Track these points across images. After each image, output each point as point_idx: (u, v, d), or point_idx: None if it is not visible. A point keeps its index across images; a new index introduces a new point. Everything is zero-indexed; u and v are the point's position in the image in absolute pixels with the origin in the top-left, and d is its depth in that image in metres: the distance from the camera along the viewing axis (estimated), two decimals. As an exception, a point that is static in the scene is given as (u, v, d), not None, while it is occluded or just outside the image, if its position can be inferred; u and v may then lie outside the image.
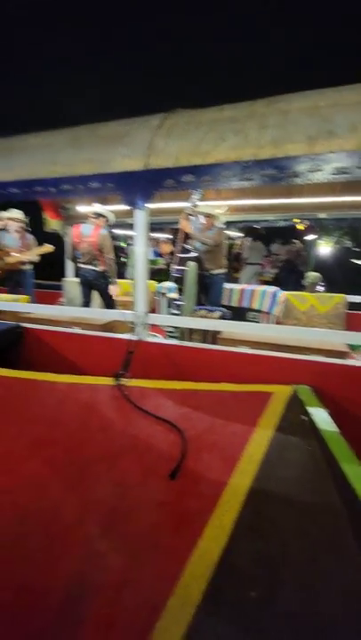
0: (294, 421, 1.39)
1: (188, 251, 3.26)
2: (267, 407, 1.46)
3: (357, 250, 14.18)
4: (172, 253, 8.49)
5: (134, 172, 2.01)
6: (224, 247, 3.49)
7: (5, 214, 3.98)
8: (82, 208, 3.86)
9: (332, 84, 1.97)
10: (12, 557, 1.04)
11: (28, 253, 3.99)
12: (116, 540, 1.08)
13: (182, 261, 2.98)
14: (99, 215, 3.53)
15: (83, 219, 3.82)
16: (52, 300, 4.46)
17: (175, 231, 8.88)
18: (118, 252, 8.49)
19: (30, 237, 4.16)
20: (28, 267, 4.21)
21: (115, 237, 9.35)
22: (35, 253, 4.03)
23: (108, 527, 1.11)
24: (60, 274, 4.57)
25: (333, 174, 1.69)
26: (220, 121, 2.03)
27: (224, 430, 1.40)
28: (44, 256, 4.32)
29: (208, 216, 3.33)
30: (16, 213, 4.04)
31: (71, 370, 1.97)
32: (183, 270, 3.07)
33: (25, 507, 1.18)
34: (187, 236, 3.26)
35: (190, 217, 3.18)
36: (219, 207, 3.51)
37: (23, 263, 4.10)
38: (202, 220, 3.34)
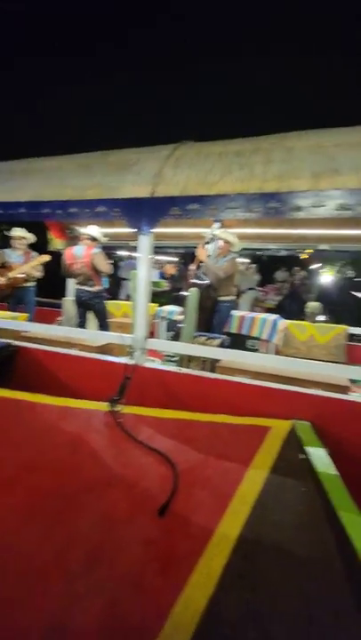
0: (292, 460, 1.34)
1: (200, 277, 3.31)
2: (264, 443, 1.41)
3: (359, 280, 14.31)
4: (172, 277, 8.59)
5: (141, 199, 2.06)
6: (235, 275, 3.54)
7: (13, 233, 4.06)
8: (82, 229, 3.93)
9: (335, 125, 2.06)
10: (-14, 595, 0.98)
11: (27, 265, 4.05)
12: (98, 580, 1.01)
13: (194, 286, 3.01)
14: (92, 238, 3.59)
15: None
16: (51, 318, 4.46)
17: (180, 255, 9.03)
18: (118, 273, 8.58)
19: (34, 255, 4.23)
20: (30, 284, 4.25)
21: (120, 259, 9.48)
22: (33, 265, 4.09)
23: (91, 565, 1.05)
24: (63, 292, 4.61)
25: (337, 210, 1.72)
26: (227, 154, 2.10)
27: (218, 465, 1.34)
28: (46, 274, 4.37)
29: (226, 242, 3.39)
30: (20, 232, 4.12)
31: (64, 392, 1.93)
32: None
33: (6, 537, 1.12)
34: (200, 263, 3.32)
35: (207, 245, 3.26)
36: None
37: (26, 280, 4.15)
38: (219, 244, 3.41)
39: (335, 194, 1.71)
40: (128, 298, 7.94)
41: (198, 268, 3.43)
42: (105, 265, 3.49)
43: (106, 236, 3.87)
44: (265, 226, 3.73)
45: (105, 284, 3.76)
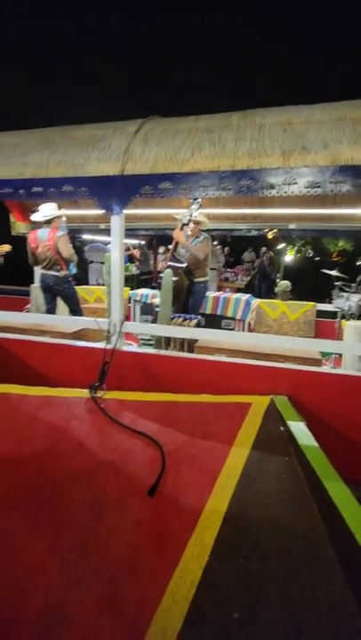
0: (273, 433, 1.39)
1: (178, 259, 3.24)
2: (246, 419, 1.46)
3: (318, 259, 14.91)
4: (142, 259, 8.44)
5: (110, 177, 1.97)
6: (209, 256, 3.52)
7: None
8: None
9: (304, 102, 2.05)
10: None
11: None
12: (92, 565, 1.02)
13: (169, 269, 2.96)
14: (49, 220, 3.35)
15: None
16: (18, 306, 4.24)
17: (149, 237, 8.87)
18: (84, 257, 8.27)
19: None
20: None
21: (82, 242, 9.12)
22: None
23: (84, 550, 1.05)
24: (30, 279, 4.37)
25: (307, 188, 1.74)
26: (197, 130, 2.04)
27: (204, 443, 1.37)
28: (12, 261, 4.12)
29: (196, 223, 3.33)
30: None
31: (40, 381, 1.87)
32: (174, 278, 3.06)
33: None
34: (177, 245, 3.26)
35: (185, 227, 3.18)
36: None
37: None
38: (190, 225, 3.34)
39: (305, 171, 1.73)
40: (97, 282, 7.71)
41: (175, 250, 3.37)
42: (66, 249, 3.30)
43: (71, 218, 3.69)
44: (235, 205, 3.72)
45: (72, 270, 3.58)
